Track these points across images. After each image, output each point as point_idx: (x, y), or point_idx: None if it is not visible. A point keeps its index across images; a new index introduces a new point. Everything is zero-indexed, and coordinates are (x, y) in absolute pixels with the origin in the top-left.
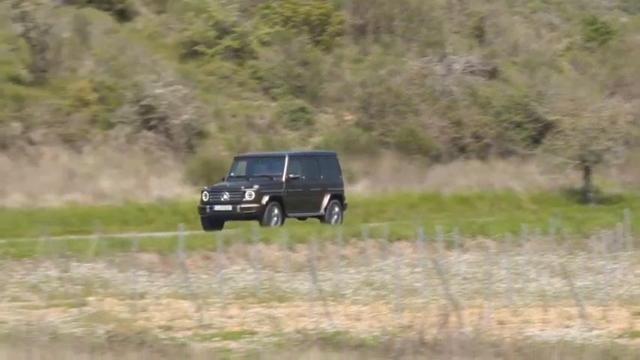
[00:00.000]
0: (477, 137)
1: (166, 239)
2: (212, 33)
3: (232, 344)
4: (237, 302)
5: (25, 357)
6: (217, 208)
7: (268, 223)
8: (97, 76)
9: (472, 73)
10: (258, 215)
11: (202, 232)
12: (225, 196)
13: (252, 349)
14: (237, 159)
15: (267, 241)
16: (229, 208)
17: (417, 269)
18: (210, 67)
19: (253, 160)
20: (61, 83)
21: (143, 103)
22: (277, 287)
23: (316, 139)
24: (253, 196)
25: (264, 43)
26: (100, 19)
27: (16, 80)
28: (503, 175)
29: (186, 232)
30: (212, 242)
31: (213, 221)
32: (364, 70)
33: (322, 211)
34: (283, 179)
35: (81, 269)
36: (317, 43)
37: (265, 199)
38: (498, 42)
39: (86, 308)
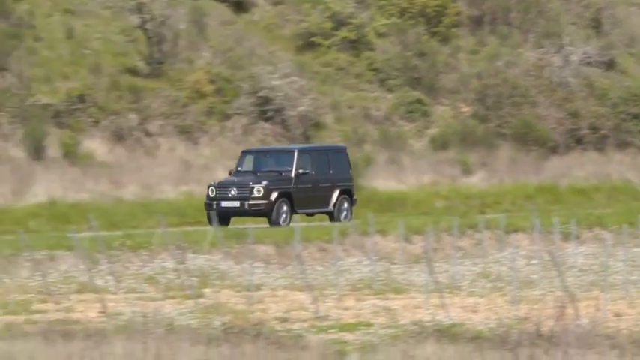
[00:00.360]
0: (593, 129)
1: (282, 231)
2: (329, 24)
3: (348, 336)
4: (353, 294)
5: (141, 349)
6: (224, 204)
7: (277, 221)
8: (214, 67)
9: (589, 64)
10: (266, 212)
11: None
12: (233, 192)
13: (368, 340)
14: (244, 153)
15: (383, 232)
16: (237, 204)
17: (534, 261)
18: (326, 58)
19: (261, 155)
20: (178, 75)
21: (260, 94)
22: (393, 279)
23: (432, 131)
24: (262, 193)
25: (380, 35)
26: (216, 11)
27: (133, 72)
28: (621, 167)
29: (302, 224)
30: (328, 234)
31: (219, 218)
32: (481, 61)
33: (331, 207)
34: (292, 175)
35: (197, 261)
36: (433, 34)
37: (274, 195)
38: (615, 33)
39: (202, 300)
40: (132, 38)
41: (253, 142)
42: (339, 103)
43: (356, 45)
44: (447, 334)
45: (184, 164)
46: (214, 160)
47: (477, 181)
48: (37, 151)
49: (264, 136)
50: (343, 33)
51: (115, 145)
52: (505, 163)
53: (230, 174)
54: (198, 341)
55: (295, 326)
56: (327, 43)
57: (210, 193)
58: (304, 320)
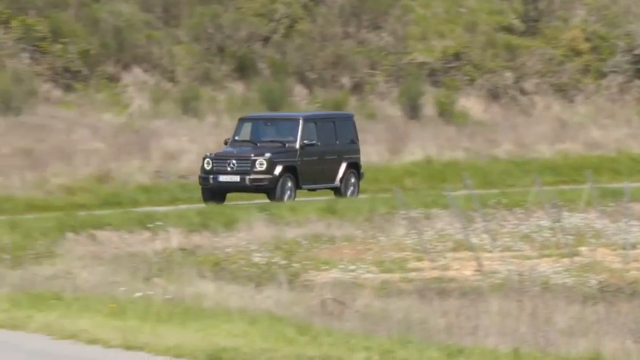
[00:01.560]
0: None
1: None
2: None
3: None
4: None
5: (517, 307)
6: (222, 178)
7: (281, 198)
8: (589, 25)
9: None
10: (269, 188)
11: None
12: (232, 165)
13: None
14: (242, 120)
15: None
16: (236, 179)
17: None
18: None
19: (261, 122)
20: (553, 33)
21: (636, 52)
22: None
23: None
24: (265, 166)
25: None
26: None
27: (509, 30)
28: None
29: None
30: None
31: (215, 193)
32: None
33: (338, 182)
34: (297, 146)
35: (573, 219)
36: None
37: (278, 169)
38: None
39: (578, 258)
40: None
41: (629, 101)
42: None
43: None
44: None
45: (560, 122)
46: (590, 119)
47: None
48: (412, 110)
49: None
50: None
51: (490, 103)
52: None
53: (226, 143)
54: (574, 300)
55: None
56: None
57: (205, 165)
58: None
